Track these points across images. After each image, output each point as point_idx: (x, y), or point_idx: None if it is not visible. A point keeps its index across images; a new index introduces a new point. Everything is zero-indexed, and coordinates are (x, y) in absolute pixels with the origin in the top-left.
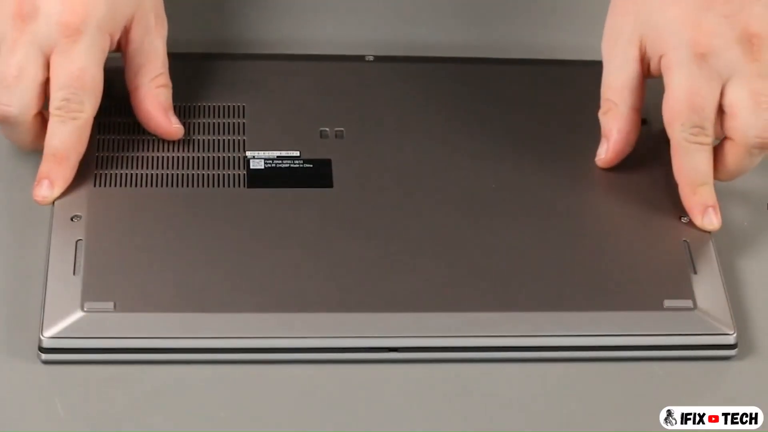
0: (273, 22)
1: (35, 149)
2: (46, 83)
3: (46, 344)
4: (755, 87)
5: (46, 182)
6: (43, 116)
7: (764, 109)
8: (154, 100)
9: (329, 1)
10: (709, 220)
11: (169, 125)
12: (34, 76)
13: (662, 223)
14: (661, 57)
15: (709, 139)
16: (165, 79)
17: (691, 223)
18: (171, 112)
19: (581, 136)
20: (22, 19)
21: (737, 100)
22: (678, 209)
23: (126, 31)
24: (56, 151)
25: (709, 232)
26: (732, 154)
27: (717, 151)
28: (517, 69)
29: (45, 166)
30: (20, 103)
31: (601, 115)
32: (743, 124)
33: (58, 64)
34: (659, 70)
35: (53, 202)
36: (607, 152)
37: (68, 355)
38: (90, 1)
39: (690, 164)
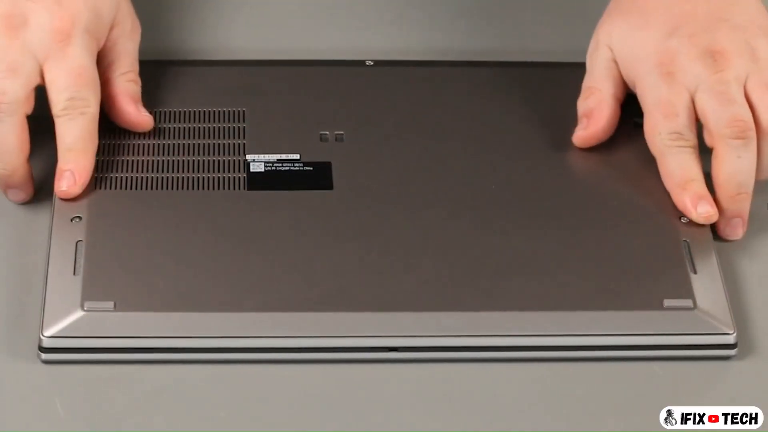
0: (273, 29)
1: (12, 169)
2: (30, 98)
3: (46, 344)
4: (720, 91)
5: (68, 173)
6: (28, 126)
7: (730, 103)
8: (123, 92)
9: (329, 7)
10: (704, 209)
11: (138, 114)
12: (29, 74)
13: (662, 223)
14: (633, 80)
15: (690, 143)
16: (134, 76)
17: (691, 223)
18: (140, 104)
19: None
20: (12, 29)
21: (706, 105)
22: (678, 209)
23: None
24: (72, 146)
25: (708, 226)
26: (719, 158)
27: (712, 164)
28: (516, 72)
29: (64, 160)
30: (14, 93)
31: (580, 101)
32: (713, 122)
33: (56, 67)
34: (633, 89)
35: (59, 200)
36: (585, 129)
37: (68, 355)
38: (75, 9)
39: (674, 164)
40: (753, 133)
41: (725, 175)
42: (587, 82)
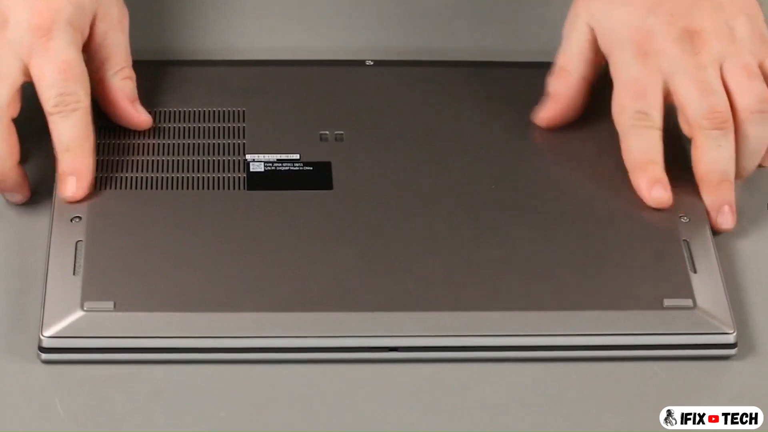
0: (273, 29)
1: (2, 174)
2: (15, 100)
3: (46, 344)
4: (698, 77)
5: (71, 178)
6: (15, 128)
7: (709, 93)
8: (120, 92)
9: (329, 7)
10: (658, 193)
11: (136, 114)
12: (12, 76)
13: (662, 222)
14: (608, 55)
15: (655, 124)
16: (129, 72)
17: (691, 223)
18: (137, 103)
19: (580, 136)
20: None
21: (683, 92)
22: (678, 208)
23: (90, 27)
24: (70, 146)
25: (708, 225)
26: (698, 147)
27: (692, 155)
28: (516, 72)
29: (64, 162)
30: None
31: (551, 80)
32: (692, 110)
33: (41, 64)
34: (607, 60)
35: (54, 202)
36: (547, 111)
37: (68, 355)
38: (56, 4)
39: (636, 144)
40: (731, 123)
41: (707, 165)
42: (560, 61)
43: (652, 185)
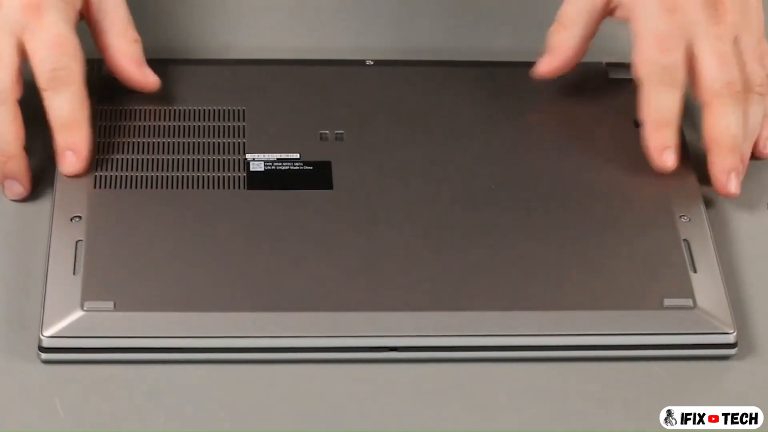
0: (273, 28)
1: (8, 156)
2: (18, 81)
3: (46, 344)
4: (718, 49)
5: (69, 153)
6: (20, 111)
7: (729, 65)
8: (127, 56)
9: (329, 7)
10: (668, 157)
11: (145, 78)
12: (10, 56)
13: (662, 222)
14: (629, 8)
15: (679, 82)
16: (133, 34)
17: (691, 223)
18: (145, 66)
19: (581, 136)
20: None
21: (703, 60)
22: (677, 208)
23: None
24: (66, 120)
25: (707, 225)
26: (713, 112)
27: (703, 118)
28: (517, 71)
29: (60, 138)
30: (1, 83)
31: (550, 32)
32: (710, 78)
33: (34, 40)
34: (623, 17)
35: (49, 199)
36: (544, 64)
37: (68, 355)
38: None
39: (657, 103)
40: (742, 96)
41: (721, 129)
42: (560, 15)
43: (664, 150)
